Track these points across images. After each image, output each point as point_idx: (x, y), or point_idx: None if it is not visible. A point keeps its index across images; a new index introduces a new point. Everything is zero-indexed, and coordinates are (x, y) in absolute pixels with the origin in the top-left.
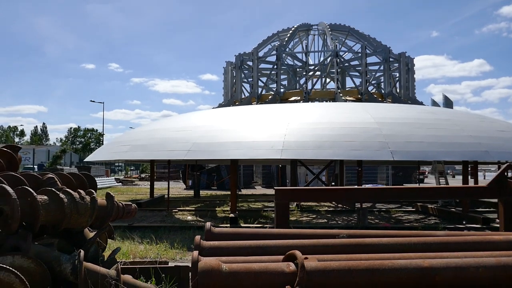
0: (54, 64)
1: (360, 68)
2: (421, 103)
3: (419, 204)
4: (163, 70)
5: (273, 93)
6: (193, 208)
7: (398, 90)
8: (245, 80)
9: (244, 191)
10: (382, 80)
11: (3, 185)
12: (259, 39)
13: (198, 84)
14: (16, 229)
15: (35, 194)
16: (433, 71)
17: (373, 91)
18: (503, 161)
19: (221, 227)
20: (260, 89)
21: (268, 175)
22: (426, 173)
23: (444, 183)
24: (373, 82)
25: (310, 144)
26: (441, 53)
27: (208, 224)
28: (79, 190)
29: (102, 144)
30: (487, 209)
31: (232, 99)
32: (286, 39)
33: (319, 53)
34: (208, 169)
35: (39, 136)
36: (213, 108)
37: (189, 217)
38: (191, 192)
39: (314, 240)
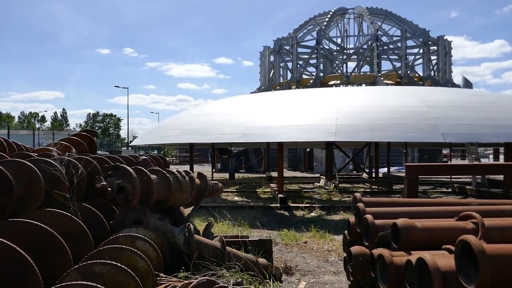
0: (70, 50)
1: (398, 51)
2: (459, 86)
3: (456, 185)
4: (178, 54)
5: (311, 77)
6: (235, 190)
7: (435, 73)
8: (282, 64)
9: (273, 174)
10: (416, 63)
11: (124, 165)
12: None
13: (212, 68)
14: (135, 205)
15: (149, 173)
16: (453, 52)
17: (410, 74)
18: None
19: (366, 197)
20: (298, 74)
21: (294, 158)
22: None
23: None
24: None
25: (362, 127)
26: (460, 34)
27: (358, 194)
28: (178, 170)
29: (121, 129)
30: None
31: (271, 83)
32: (325, 23)
33: (355, 37)
34: (236, 152)
35: (59, 121)
36: (251, 92)
37: (236, 198)
38: (221, 175)
39: (462, 207)
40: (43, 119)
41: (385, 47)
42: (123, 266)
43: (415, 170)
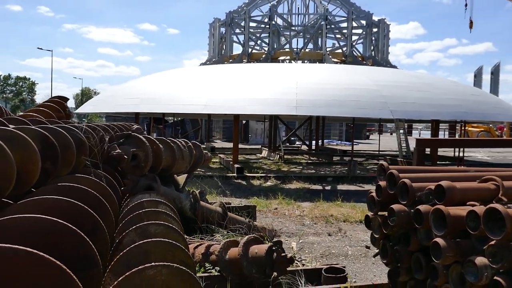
0: None
1: (344, 31)
2: (395, 67)
3: (388, 157)
4: (98, 17)
5: (262, 51)
6: None
7: (374, 53)
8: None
9: (214, 144)
10: (357, 43)
11: (137, 134)
12: None
13: (136, 34)
14: (146, 172)
15: (158, 142)
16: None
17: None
18: (479, 121)
19: (391, 164)
20: (249, 48)
21: (229, 129)
22: (372, 129)
23: (404, 139)
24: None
25: (321, 103)
26: (379, 14)
27: (385, 163)
28: (179, 139)
29: (35, 93)
30: (444, 162)
31: (222, 56)
32: (277, 0)
33: (301, 15)
34: (173, 122)
35: None
36: (200, 64)
37: None
38: None
39: (467, 173)
40: None
41: (332, 26)
42: (173, 226)
43: (424, 143)
